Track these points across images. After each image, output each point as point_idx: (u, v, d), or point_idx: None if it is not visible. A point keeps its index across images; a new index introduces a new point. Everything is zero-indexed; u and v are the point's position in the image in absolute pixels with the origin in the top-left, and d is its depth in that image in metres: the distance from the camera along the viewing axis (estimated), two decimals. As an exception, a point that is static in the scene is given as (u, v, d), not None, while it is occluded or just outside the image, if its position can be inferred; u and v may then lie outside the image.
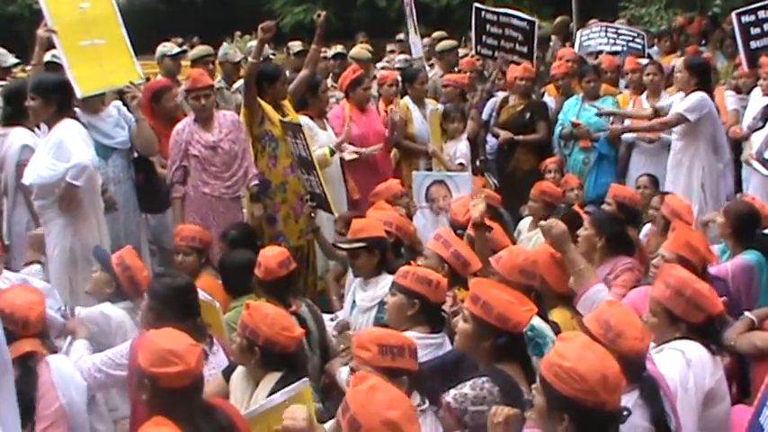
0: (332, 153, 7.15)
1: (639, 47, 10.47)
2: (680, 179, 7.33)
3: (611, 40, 10.66)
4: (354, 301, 5.37)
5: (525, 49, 9.67)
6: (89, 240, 5.82)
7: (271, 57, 10.31)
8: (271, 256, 5.07)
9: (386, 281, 5.02)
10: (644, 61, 8.92)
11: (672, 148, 7.54)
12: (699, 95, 7.16)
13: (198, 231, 6.04)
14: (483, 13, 10.08)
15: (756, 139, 7.21)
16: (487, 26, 9.95)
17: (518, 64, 9.20)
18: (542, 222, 4.96)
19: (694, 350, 3.80)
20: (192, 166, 6.58)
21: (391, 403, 2.79)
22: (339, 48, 10.51)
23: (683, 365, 3.74)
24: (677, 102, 7.38)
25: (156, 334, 3.58)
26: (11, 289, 4.45)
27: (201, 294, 4.86)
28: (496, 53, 9.88)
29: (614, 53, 10.25)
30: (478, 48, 10.18)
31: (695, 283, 3.90)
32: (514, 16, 9.93)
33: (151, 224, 6.90)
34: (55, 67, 6.73)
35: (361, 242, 5.25)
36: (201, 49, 9.52)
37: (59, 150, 5.69)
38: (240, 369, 4.16)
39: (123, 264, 5.01)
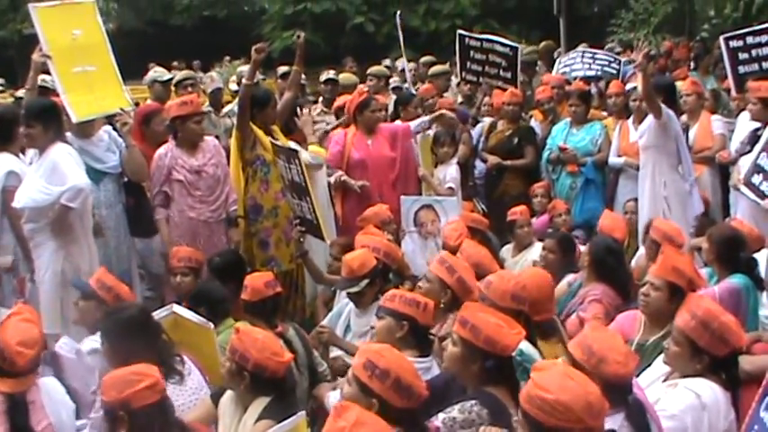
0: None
1: (615, 71, 10.47)
2: (644, 199, 7.36)
3: (587, 65, 10.68)
4: (348, 326, 5.41)
5: (509, 75, 9.72)
6: (80, 263, 5.90)
7: (260, 80, 10.37)
8: (257, 276, 5.16)
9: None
10: (630, 85, 8.98)
11: (640, 170, 7.55)
12: (667, 111, 7.23)
13: (193, 252, 6.11)
14: (466, 39, 10.15)
15: (744, 164, 7.25)
16: (471, 52, 10.02)
17: (503, 89, 9.26)
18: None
19: (710, 392, 3.76)
20: (175, 191, 6.60)
21: None
22: (331, 73, 10.57)
23: (698, 408, 3.71)
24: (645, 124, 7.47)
25: (111, 373, 3.64)
26: (15, 323, 4.22)
27: (194, 317, 4.87)
28: (481, 79, 9.95)
29: (589, 78, 10.30)
30: (463, 74, 10.26)
31: (722, 316, 3.85)
32: (498, 42, 9.97)
33: (138, 248, 6.90)
34: (45, 91, 6.77)
35: (366, 278, 5.31)
36: (182, 74, 9.63)
37: (53, 174, 5.76)
38: (229, 393, 4.16)
39: (105, 285, 5.00)
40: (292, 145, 6.97)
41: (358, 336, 5.25)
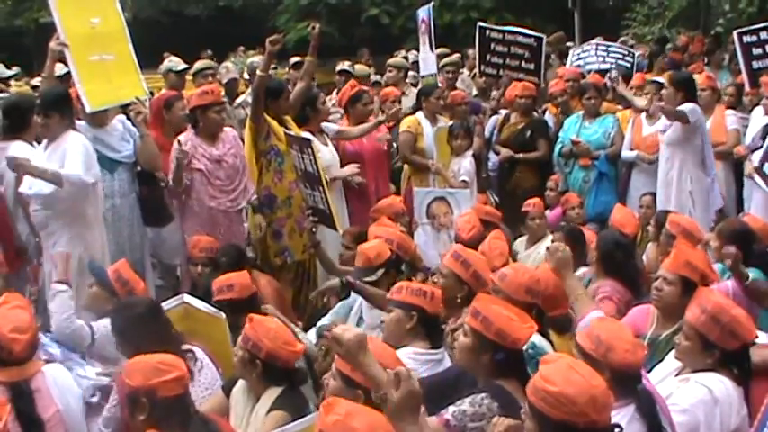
0: None
1: (628, 65, 10.43)
2: (671, 192, 7.39)
3: (601, 58, 10.64)
4: (361, 318, 5.40)
5: (532, 66, 9.68)
6: (95, 249, 5.97)
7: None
8: (238, 274, 5.17)
9: None
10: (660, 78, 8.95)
11: (660, 163, 7.59)
12: (690, 105, 7.25)
13: (213, 242, 6.16)
14: (487, 31, 10.09)
15: (757, 154, 7.25)
16: (492, 45, 9.95)
17: (523, 81, 9.22)
18: (549, 245, 4.93)
19: (722, 387, 3.74)
20: (196, 180, 6.60)
21: (372, 427, 2.70)
22: (346, 64, 10.57)
23: (710, 403, 3.69)
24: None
25: (136, 358, 3.63)
26: (4, 311, 4.17)
27: (205, 307, 4.88)
28: (501, 71, 9.89)
29: (603, 71, 10.26)
30: (482, 67, 10.20)
31: (732, 310, 3.83)
32: (521, 33, 9.93)
33: (149, 237, 6.91)
34: (63, 79, 6.81)
35: (382, 267, 5.31)
36: (202, 63, 9.63)
37: (63, 162, 5.80)
38: (241, 383, 4.17)
39: (121, 278, 5.01)
40: (306, 135, 6.98)
41: (371, 328, 5.21)
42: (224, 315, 4.92)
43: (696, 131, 7.31)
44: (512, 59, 9.81)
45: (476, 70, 10.80)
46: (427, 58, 10.86)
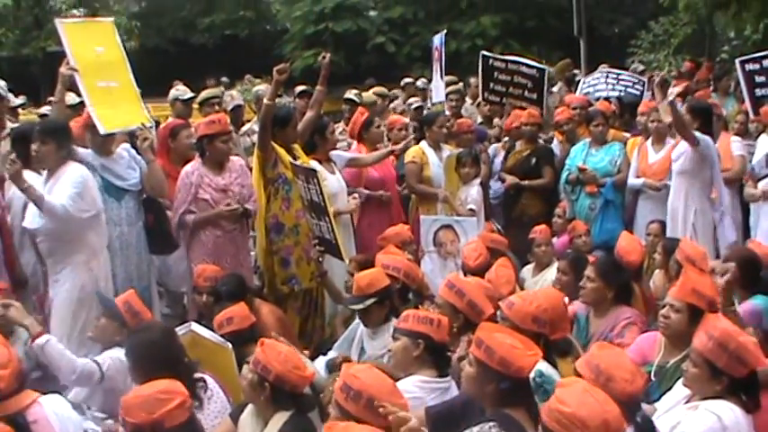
0: None
1: (638, 92, 10.42)
2: (676, 223, 7.39)
3: (611, 86, 10.65)
4: (363, 349, 5.39)
5: (535, 96, 9.72)
6: (99, 278, 5.99)
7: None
8: (235, 307, 5.21)
9: (392, 327, 5.04)
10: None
11: (670, 191, 7.58)
12: (706, 137, 7.25)
13: (218, 271, 6.16)
14: (491, 60, 10.15)
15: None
16: (495, 73, 10.02)
17: (523, 109, 9.25)
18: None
19: (731, 415, 3.72)
20: (201, 210, 6.61)
21: None
22: (352, 93, 10.63)
23: (719, 430, 3.67)
24: (680, 145, 7.46)
25: (132, 392, 3.63)
26: None
27: (212, 336, 4.88)
28: (505, 99, 9.94)
29: (611, 99, 10.24)
30: (485, 94, 10.25)
31: (740, 336, 3.82)
32: (524, 64, 9.98)
33: (156, 265, 6.92)
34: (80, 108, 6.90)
35: (373, 297, 5.30)
36: (208, 92, 9.68)
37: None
38: (250, 407, 4.18)
39: (132, 310, 5.03)
40: (313, 164, 7.00)
41: (373, 359, 5.23)
42: (230, 345, 4.92)
43: (706, 162, 7.30)
44: (515, 88, 9.87)
45: (479, 99, 10.83)
46: (439, 86, 10.92)
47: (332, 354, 5.59)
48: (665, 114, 8.18)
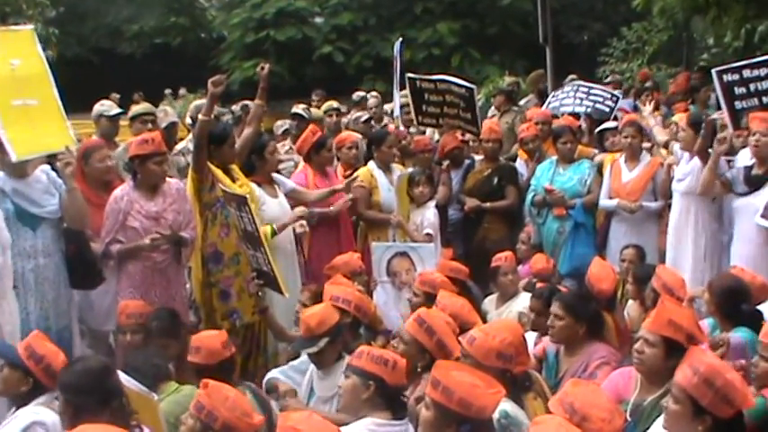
0: (273, 234, 7.08)
1: (608, 110, 10.38)
2: (685, 249, 7.43)
3: (579, 100, 10.67)
4: (312, 390, 5.38)
5: (469, 116, 9.77)
6: (3, 321, 5.80)
7: (219, 115, 10.42)
8: (210, 336, 5.14)
9: (344, 365, 5.04)
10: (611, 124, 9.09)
11: (672, 215, 7.63)
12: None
13: (143, 306, 6.09)
14: (418, 82, 10.19)
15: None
16: (426, 95, 10.09)
17: (464, 130, 9.28)
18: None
19: None
20: (129, 239, 6.51)
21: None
22: (300, 107, 10.66)
23: None
24: (684, 164, 7.53)
25: None
26: None
27: (136, 386, 4.80)
28: (441, 120, 10.00)
29: (578, 114, 10.30)
30: (420, 118, 10.29)
31: (727, 373, 3.78)
32: (453, 83, 10.01)
33: (75, 301, 6.81)
34: None
35: (325, 337, 5.29)
36: (142, 108, 9.60)
37: None
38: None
39: (35, 355, 4.81)
40: (253, 186, 6.97)
41: (323, 401, 5.22)
42: (156, 396, 4.86)
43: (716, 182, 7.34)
44: (449, 108, 9.92)
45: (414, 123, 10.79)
46: (397, 100, 10.99)
47: (276, 372, 5.62)
48: (662, 134, 8.30)
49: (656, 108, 11.57)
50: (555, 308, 5.45)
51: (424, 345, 4.84)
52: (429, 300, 5.93)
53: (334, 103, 11.52)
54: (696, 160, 7.38)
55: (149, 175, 6.57)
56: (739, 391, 3.77)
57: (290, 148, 9.78)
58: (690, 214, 7.50)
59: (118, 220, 6.52)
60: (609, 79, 16.59)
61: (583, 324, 5.43)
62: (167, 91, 23.23)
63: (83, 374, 4.31)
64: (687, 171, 7.51)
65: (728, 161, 8.51)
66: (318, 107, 12.36)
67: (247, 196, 6.65)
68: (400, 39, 11.44)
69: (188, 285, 7.11)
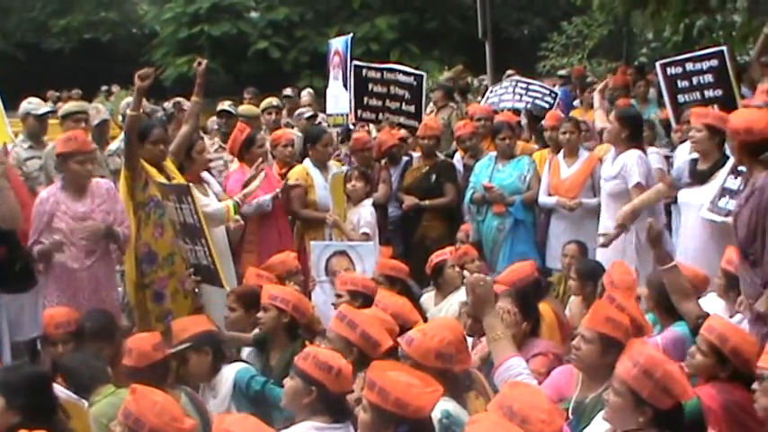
0: (236, 210, 7.15)
1: (547, 105, 10.47)
2: (616, 247, 7.45)
3: (518, 96, 10.75)
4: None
5: (412, 109, 9.81)
6: None
7: (152, 112, 10.33)
8: (142, 338, 5.14)
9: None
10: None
11: (602, 211, 7.66)
12: (636, 157, 7.35)
13: (69, 313, 5.98)
14: (364, 71, 10.19)
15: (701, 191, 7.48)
16: (370, 86, 10.11)
17: (403, 126, 9.32)
18: (468, 275, 4.74)
19: None
20: (56, 240, 6.44)
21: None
22: (226, 104, 10.59)
23: None
24: (610, 163, 7.58)
25: None
26: None
27: (66, 394, 4.77)
28: (381, 115, 10.02)
29: (517, 110, 10.38)
30: (359, 112, 10.27)
31: (666, 365, 3.84)
32: (400, 71, 10.03)
33: (5, 303, 6.66)
34: None
35: (187, 343, 5.36)
36: (73, 106, 9.48)
37: None
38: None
39: None
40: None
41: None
42: (86, 403, 4.83)
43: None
44: (391, 101, 9.95)
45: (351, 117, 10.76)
46: (339, 96, 10.92)
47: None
48: (601, 121, 8.38)
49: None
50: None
51: (348, 339, 4.85)
52: (355, 298, 5.96)
53: (274, 101, 11.44)
54: (622, 158, 7.41)
55: (73, 174, 6.50)
56: (678, 382, 3.82)
57: (220, 146, 9.73)
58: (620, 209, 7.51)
59: (43, 222, 6.44)
60: (560, 73, 16.69)
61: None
62: (103, 88, 22.98)
63: (23, 378, 4.30)
64: (613, 174, 7.52)
65: (667, 157, 8.65)
66: (253, 104, 12.28)
67: (190, 185, 6.63)
68: (350, 34, 11.41)
69: (120, 289, 7.07)
